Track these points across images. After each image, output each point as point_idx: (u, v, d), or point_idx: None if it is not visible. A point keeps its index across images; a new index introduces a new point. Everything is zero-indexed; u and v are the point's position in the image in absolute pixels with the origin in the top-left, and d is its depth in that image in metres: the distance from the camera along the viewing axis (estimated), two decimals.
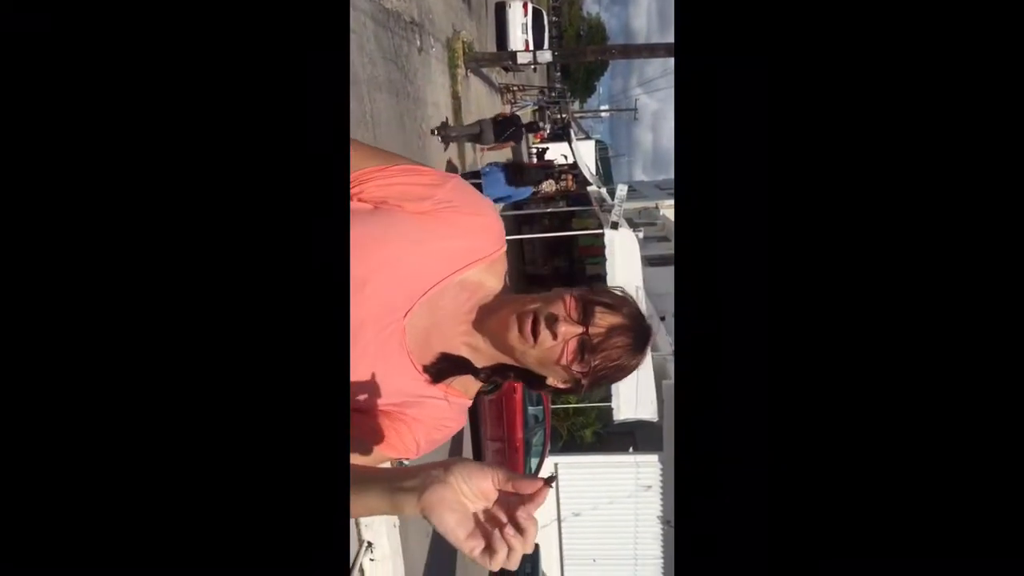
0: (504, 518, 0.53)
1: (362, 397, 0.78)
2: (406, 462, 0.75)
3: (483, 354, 0.82)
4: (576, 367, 0.76)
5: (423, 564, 5.10)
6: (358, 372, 0.77)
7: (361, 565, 2.16)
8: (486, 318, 0.81)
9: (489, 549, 0.52)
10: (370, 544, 2.20)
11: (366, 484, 0.60)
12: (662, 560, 9.09)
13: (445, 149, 6.85)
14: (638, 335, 0.78)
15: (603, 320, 0.76)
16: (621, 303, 0.79)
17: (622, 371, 0.78)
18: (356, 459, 0.75)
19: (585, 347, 0.75)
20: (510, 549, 0.52)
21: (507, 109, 12.52)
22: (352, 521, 2.15)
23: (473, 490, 0.54)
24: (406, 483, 0.56)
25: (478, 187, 6.88)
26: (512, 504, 0.54)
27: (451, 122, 7.12)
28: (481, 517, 0.54)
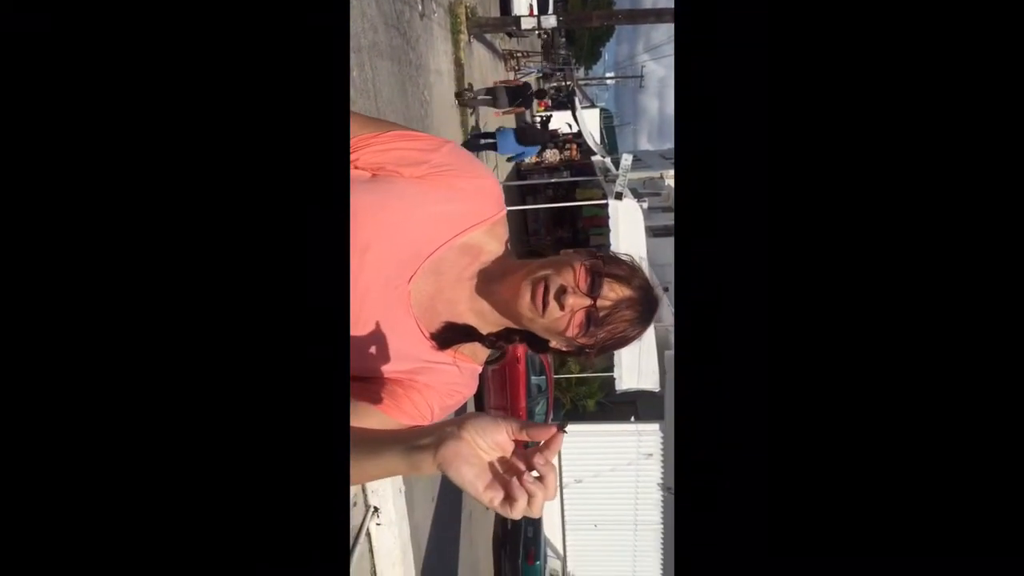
0: (522, 466, 0.54)
1: (373, 364, 0.78)
2: None
3: (488, 320, 0.82)
4: (581, 339, 0.76)
5: (428, 529, 5.22)
6: (367, 339, 0.77)
7: (368, 529, 2.21)
8: (493, 284, 0.80)
9: (509, 498, 0.53)
10: (376, 509, 2.25)
11: (382, 446, 0.61)
12: (662, 525, 9.28)
13: (471, 112, 7.58)
14: (645, 307, 0.78)
15: (612, 292, 0.76)
16: (631, 274, 0.78)
17: (626, 342, 0.79)
18: (371, 427, 0.75)
19: (592, 319, 0.75)
20: (530, 496, 0.52)
21: (511, 76, 12.30)
22: (358, 486, 2.20)
23: (488, 443, 0.55)
24: (422, 441, 0.56)
25: (492, 146, 7.49)
26: (528, 453, 0.55)
27: (457, 89, 7.77)
28: (499, 468, 0.55)
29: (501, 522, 8.18)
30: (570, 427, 0.58)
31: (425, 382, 0.81)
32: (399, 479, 2.29)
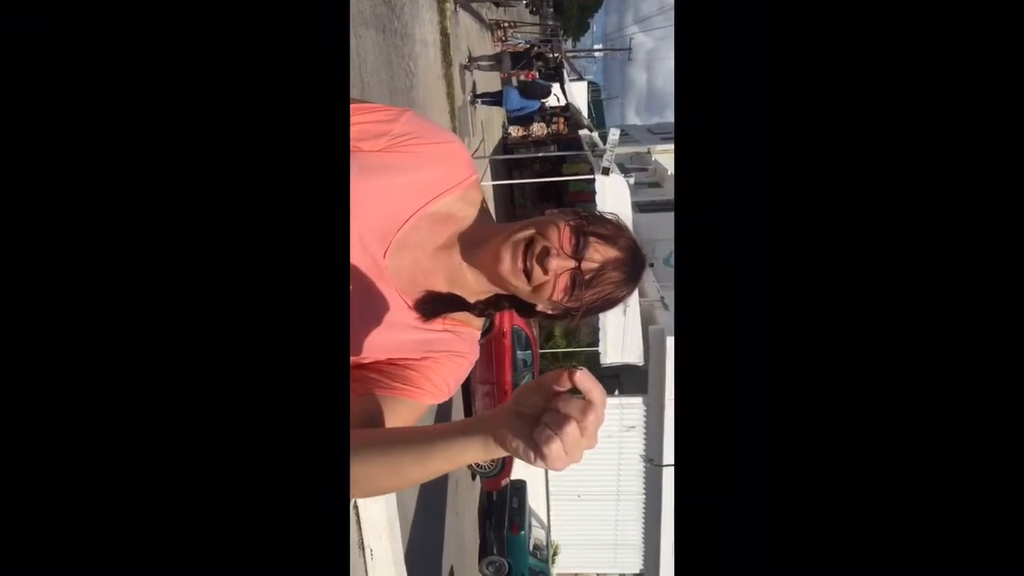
0: (560, 406, 0.50)
1: (367, 343, 0.76)
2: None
3: (472, 288, 0.79)
4: (567, 302, 0.73)
5: (415, 501, 5.28)
6: (359, 323, 0.75)
7: (355, 502, 2.23)
8: (473, 250, 0.77)
9: (532, 444, 0.49)
10: None
11: (428, 446, 0.57)
12: (644, 496, 9.48)
13: (471, 74, 8.59)
14: (632, 268, 0.75)
15: (597, 253, 0.72)
16: (617, 234, 0.75)
17: (614, 303, 0.76)
18: (395, 418, 0.73)
19: (577, 282, 0.72)
20: (557, 438, 0.48)
21: (499, 47, 12.10)
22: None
23: (527, 407, 0.52)
24: (473, 431, 0.54)
25: (496, 103, 8.70)
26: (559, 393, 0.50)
27: (461, 59, 8.82)
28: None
29: (486, 494, 8.31)
30: None
31: (431, 357, 0.79)
32: None
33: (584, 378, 0.50)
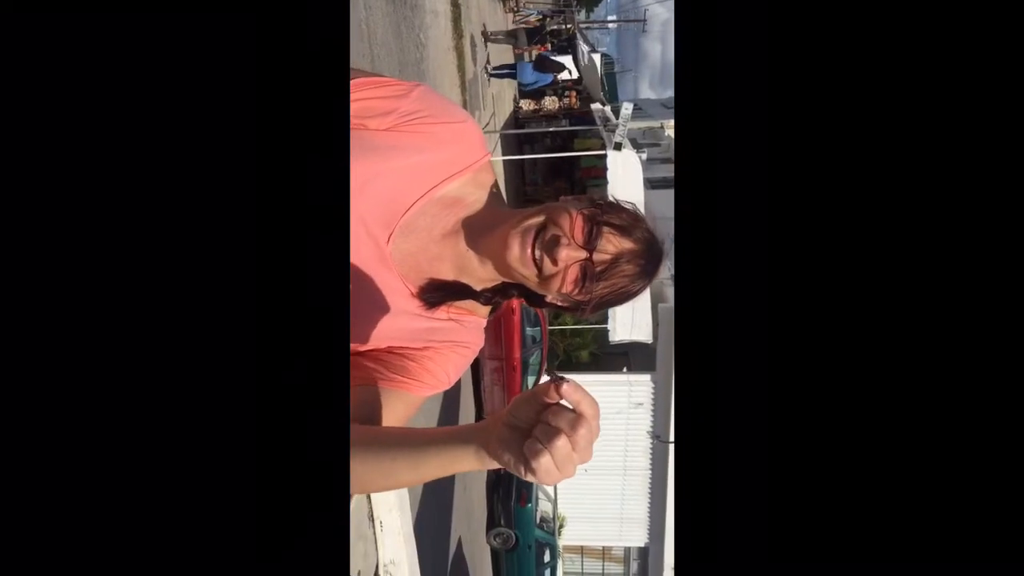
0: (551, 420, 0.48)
1: (367, 331, 0.74)
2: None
3: (479, 275, 0.75)
4: (577, 295, 0.69)
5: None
6: (360, 310, 0.72)
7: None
8: (480, 236, 0.73)
9: (524, 461, 0.47)
10: None
11: (421, 452, 0.57)
12: (650, 471, 9.59)
13: (485, 47, 9.19)
14: (648, 261, 0.71)
15: (611, 245, 0.68)
16: (633, 225, 0.70)
17: (627, 297, 0.72)
18: (391, 412, 0.72)
19: (587, 274, 0.68)
20: (547, 452, 0.46)
21: (511, 18, 11.95)
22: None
23: (521, 420, 0.50)
24: (468, 441, 0.53)
25: (511, 75, 9.36)
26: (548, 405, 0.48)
27: (478, 33, 9.56)
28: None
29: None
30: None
31: (432, 347, 0.76)
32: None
33: (572, 391, 0.47)
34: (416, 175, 0.73)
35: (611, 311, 7.50)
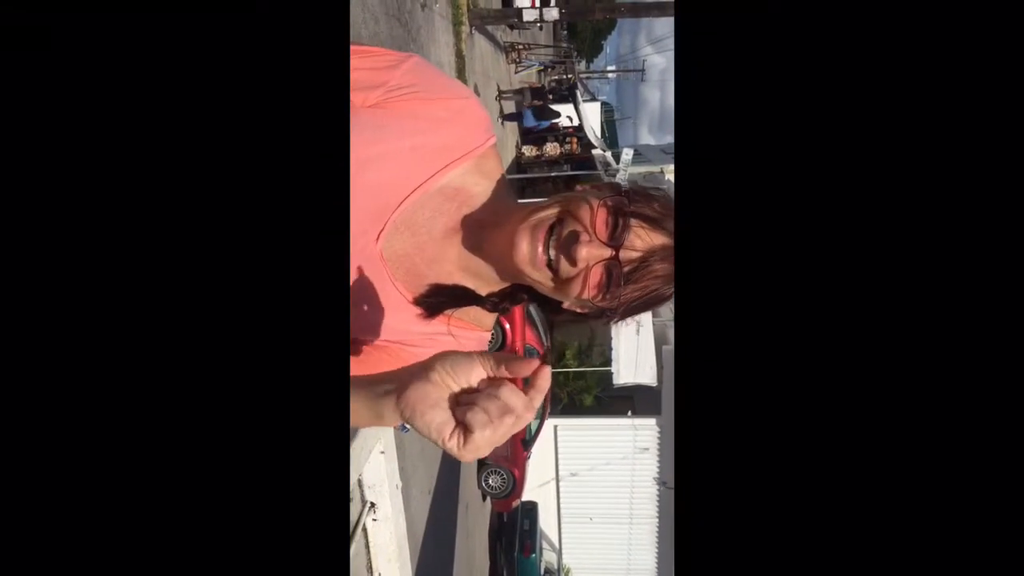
0: (498, 391, 0.42)
1: (361, 347, 0.64)
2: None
3: (485, 278, 0.64)
4: (601, 301, 0.58)
5: (424, 522, 5.24)
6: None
7: (364, 525, 2.21)
8: (485, 232, 0.62)
9: (464, 429, 0.42)
10: (373, 504, 2.25)
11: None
12: (657, 519, 9.33)
13: (500, 103, 10.79)
14: None
15: (640, 239, 0.56)
16: (665, 214, 0.57)
17: (660, 301, 0.60)
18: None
19: (613, 277, 0.56)
20: (489, 427, 0.41)
21: (514, 69, 12.43)
22: (355, 481, 2.20)
23: (461, 384, 0.43)
24: (385, 387, 0.45)
25: (517, 119, 11.07)
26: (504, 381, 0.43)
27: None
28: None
29: (497, 515, 8.21)
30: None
31: (416, 356, 0.66)
32: (395, 475, 2.29)
33: (545, 379, 0.43)
34: (410, 162, 0.62)
35: (615, 354, 7.45)
